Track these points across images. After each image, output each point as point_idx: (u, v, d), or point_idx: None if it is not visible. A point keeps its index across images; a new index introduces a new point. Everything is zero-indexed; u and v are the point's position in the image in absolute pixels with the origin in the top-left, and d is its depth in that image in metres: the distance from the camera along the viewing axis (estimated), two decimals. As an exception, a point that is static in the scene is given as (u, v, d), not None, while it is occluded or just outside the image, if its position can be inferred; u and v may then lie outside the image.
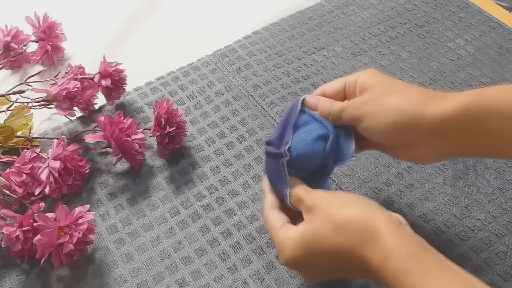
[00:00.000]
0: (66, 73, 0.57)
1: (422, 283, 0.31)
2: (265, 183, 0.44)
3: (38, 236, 0.42)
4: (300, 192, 0.41)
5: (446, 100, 0.38)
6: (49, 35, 0.63)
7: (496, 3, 0.74)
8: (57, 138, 0.50)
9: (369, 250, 0.34)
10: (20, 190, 0.47)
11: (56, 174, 0.47)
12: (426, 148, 0.40)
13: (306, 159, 0.41)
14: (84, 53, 0.67)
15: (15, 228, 0.43)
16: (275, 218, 0.41)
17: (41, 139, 0.55)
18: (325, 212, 0.37)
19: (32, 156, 0.48)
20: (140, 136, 0.52)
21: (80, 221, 0.44)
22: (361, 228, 0.35)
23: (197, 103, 0.60)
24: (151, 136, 0.54)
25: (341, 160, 0.42)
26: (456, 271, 0.33)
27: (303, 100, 0.44)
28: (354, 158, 0.42)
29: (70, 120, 0.58)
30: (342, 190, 0.52)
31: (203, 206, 0.51)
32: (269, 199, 0.43)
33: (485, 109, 0.36)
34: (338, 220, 0.36)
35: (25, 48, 0.64)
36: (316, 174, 0.43)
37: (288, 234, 0.39)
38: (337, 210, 0.37)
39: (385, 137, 0.40)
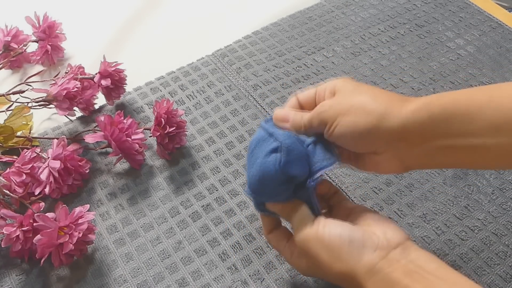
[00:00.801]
0: (66, 73, 0.57)
1: None
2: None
3: (38, 236, 0.42)
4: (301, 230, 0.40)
5: (410, 102, 0.37)
6: (49, 35, 0.63)
7: (496, 3, 0.74)
8: (57, 138, 0.50)
9: None
10: (20, 190, 0.47)
11: (56, 174, 0.47)
12: (388, 153, 0.38)
13: (264, 179, 0.39)
14: (84, 53, 0.67)
15: (15, 228, 0.43)
16: (279, 238, 0.43)
17: (41, 139, 0.55)
18: (312, 260, 0.38)
19: (32, 156, 0.48)
20: (140, 136, 0.52)
21: (80, 221, 0.44)
22: (346, 278, 0.37)
23: (197, 103, 0.60)
24: (151, 136, 0.54)
25: (324, 167, 0.39)
26: None
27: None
28: (337, 163, 0.39)
29: (70, 120, 0.58)
30: (342, 190, 0.52)
31: (203, 206, 0.51)
32: (266, 223, 0.44)
33: (445, 109, 0.35)
34: (325, 271, 0.38)
35: (25, 48, 0.64)
36: (299, 186, 0.40)
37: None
38: (322, 266, 0.38)
39: (349, 140, 0.38)
